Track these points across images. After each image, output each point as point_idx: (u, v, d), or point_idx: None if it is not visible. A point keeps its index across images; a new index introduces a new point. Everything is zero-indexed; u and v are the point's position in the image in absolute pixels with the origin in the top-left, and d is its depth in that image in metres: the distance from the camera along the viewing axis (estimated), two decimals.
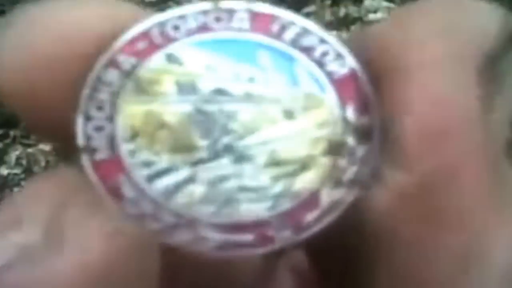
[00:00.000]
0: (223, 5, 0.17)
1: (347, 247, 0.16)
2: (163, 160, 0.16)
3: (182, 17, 0.17)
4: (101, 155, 0.16)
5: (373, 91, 0.17)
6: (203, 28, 0.17)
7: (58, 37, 0.16)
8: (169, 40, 0.17)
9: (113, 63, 0.16)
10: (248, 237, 0.16)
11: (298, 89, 0.17)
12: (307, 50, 0.17)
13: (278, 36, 0.17)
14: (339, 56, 0.17)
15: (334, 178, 0.16)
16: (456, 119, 0.16)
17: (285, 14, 0.17)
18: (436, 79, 0.16)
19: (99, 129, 0.16)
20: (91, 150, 0.16)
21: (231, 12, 0.17)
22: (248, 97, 0.16)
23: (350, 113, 0.16)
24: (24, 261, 0.14)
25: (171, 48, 0.17)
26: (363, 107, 0.17)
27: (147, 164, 0.16)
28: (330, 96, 0.17)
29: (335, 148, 0.16)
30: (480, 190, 0.16)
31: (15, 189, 0.91)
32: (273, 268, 0.19)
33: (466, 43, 0.16)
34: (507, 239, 0.16)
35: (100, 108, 0.16)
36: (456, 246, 0.16)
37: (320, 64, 0.17)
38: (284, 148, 0.16)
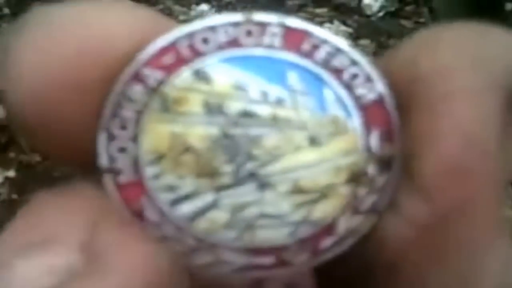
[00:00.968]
0: (255, 17, 0.17)
1: (360, 273, 0.17)
2: (187, 185, 0.16)
3: (211, 28, 0.17)
4: (125, 177, 0.16)
5: (398, 118, 0.17)
6: (234, 42, 0.17)
7: (83, 45, 0.15)
8: (197, 54, 0.16)
9: (138, 77, 0.16)
10: (267, 260, 0.16)
11: (325, 114, 0.16)
12: (337, 72, 0.17)
13: (309, 55, 0.17)
14: (368, 79, 0.17)
15: (352, 207, 0.16)
16: (481, 154, 0.16)
17: (318, 31, 0.17)
18: (464, 112, 0.16)
19: (122, 150, 0.16)
20: (115, 172, 0.16)
21: (262, 26, 0.17)
22: (275, 121, 0.16)
23: (374, 141, 0.17)
24: (69, 283, 0.14)
25: (200, 64, 0.16)
26: (387, 135, 0.17)
27: (171, 188, 0.16)
28: (356, 123, 0.17)
29: (356, 178, 0.16)
30: (491, 222, 0.16)
31: None
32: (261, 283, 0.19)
33: (494, 75, 0.16)
34: (500, 260, 0.17)
35: (123, 127, 0.16)
36: (458, 271, 0.16)
37: (349, 87, 0.17)
38: (307, 176, 0.16)
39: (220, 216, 0.16)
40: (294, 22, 0.17)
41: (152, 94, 0.16)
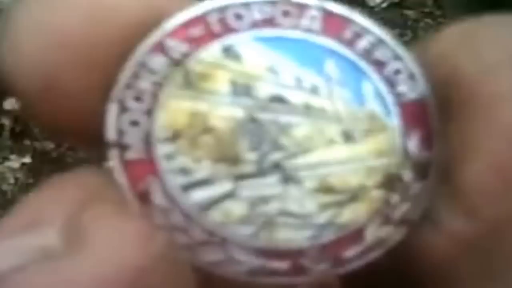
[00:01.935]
0: None
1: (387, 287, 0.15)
2: (203, 169, 0.14)
3: (246, 5, 0.15)
4: (133, 154, 0.14)
5: (439, 121, 0.15)
6: (269, 21, 0.15)
7: (87, 17, 0.14)
8: (229, 30, 0.15)
9: (160, 47, 0.14)
10: (283, 265, 0.14)
11: (362, 109, 0.15)
12: (379, 65, 0.15)
13: (350, 43, 0.15)
14: (412, 77, 0.15)
15: (383, 214, 0.15)
16: None
17: (360, 19, 0.15)
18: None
19: (134, 123, 0.14)
20: (123, 147, 0.14)
21: (302, 8, 0.15)
22: (307, 110, 0.15)
23: (412, 144, 0.15)
24: (41, 264, 0.13)
25: (231, 40, 0.15)
26: (427, 139, 0.15)
27: (185, 171, 0.14)
28: (395, 122, 0.15)
29: (389, 182, 0.15)
30: None
31: None
32: None
33: None
34: None
35: (138, 99, 0.14)
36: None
37: (391, 83, 0.15)
38: (337, 174, 0.14)
39: (236, 208, 0.14)
40: (336, 7, 0.15)
41: (174, 67, 0.14)
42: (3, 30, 0.14)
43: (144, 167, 0.14)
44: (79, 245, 0.13)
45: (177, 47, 0.15)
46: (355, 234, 0.14)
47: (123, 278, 0.12)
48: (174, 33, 0.15)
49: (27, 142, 0.99)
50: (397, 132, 0.15)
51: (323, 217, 0.14)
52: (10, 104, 1.00)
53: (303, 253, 0.14)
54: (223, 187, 0.14)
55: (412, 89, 0.15)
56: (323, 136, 0.15)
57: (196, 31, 0.15)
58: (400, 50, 0.15)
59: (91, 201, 0.13)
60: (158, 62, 0.14)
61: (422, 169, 0.15)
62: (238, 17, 0.15)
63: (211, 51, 0.15)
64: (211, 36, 0.15)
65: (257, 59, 0.15)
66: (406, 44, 0.16)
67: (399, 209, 0.15)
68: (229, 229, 0.14)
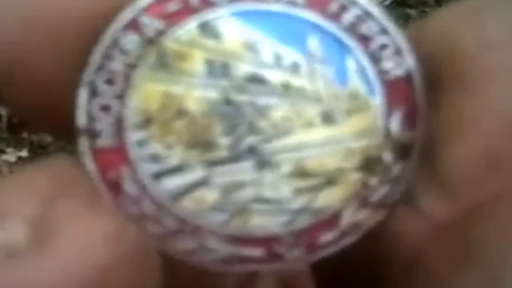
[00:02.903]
0: None
1: (364, 272, 0.15)
2: (175, 156, 0.14)
3: None
4: (104, 141, 0.14)
5: (425, 99, 0.14)
6: None
7: None
8: (207, 4, 0.14)
9: (134, 25, 0.14)
10: (257, 252, 0.14)
11: (345, 87, 0.14)
12: (364, 40, 0.14)
13: (335, 17, 0.14)
14: (398, 52, 0.14)
15: (360, 198, 0.14)
16: None
17: None
18: (507, 92, 0.13)
19: (105, 108, 0.14)
20: (93, 134, 0.14)
21: None
22: (286, 90, 0.14)
23: (395, 124, 0.14)
24: (4, 262, 0.12)
25: (208, 16, 0.14)
26: (410, 119, 0.14)
27: (156, 158, 0.14)
28: (378, 100, 0.14)
29: (369, 164, 0.14)
30: None
31: None
32: (253, 280, 0.17)
33: None
34: None
35: (110, 81, 0.14)
36: (476, 280, 0.14)
37: (375, 59, 0.14)
38: (314, 157, 0.14)
39: (209, 195, 0.14)
40: None
41: (148, 46, 0.14)
42: None
43: (115, 155, 0.14)
44: (45, 243, 0.12)
45: (151, 24, 0.14)
46: (331, 219, 0.14)
47: (88, 279, 0.12)
48: (149, 9, 0.14)
49: (24, 134, 0.96)
50: (379, 111, 0.14)
51: (298, 202, 0.14)
52: None
53: (278, 240, 0.14)
54: (196, 174, 0.14)
55: (398, 65, 0.14)
56: (301, 117, 0.14)
57: (172, 6, 0.14)
58: (388, 23, 0.15)
59: (60, 196, 0.13)
60: (131, 41, 0.14)
61: (403, 150, 0.14)
62: None
63: (187, 28, 0.14)
64: (188, 11, 0.14)
65: (235, 35, 0.14)
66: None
67: (378, 192, 0.14)
68: (202, 217, 0.14)
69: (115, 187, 0.14)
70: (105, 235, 0.12)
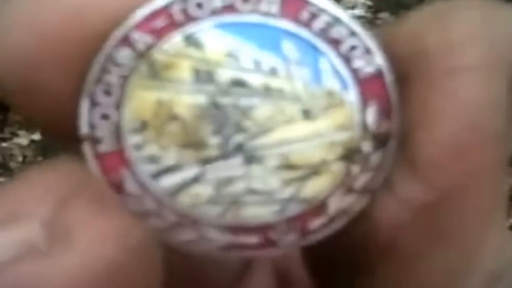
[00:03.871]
0: None
1: (350, 254, 0.16)
2: (171, 156, 0.15)
3: None
4: (105, 146, 0.15)
5: (397, 93, 0.16)
6: (229, 8, 0.16)
7: (69, 14, 0.15)
8: (190, 19, 0.15)
9: (126, 41, 0.15)
10: (252, 239, 0.15)
11: (321, 86, 0.16)
12: (335, 43, 0.16)
13: (307, 24, 0.16)
14: (367, 52, 0.16)
15: (345, 185, 0.16)
16: (483, 133, 0.15)
17: (317, 0, 0.16)
18: (468, 89, 0.15)
19: (105, 117, 0.15)
20: (95, 141, 0.15)
21: None
22: (267, 91, 0.15)
23: (370, 117, 0.16)
24: (26, 258, 0.13)
25: (192, 29, 0.15)
26: (384, 111, 0.16)
27: (153, 159, 0.15)
28: (352, 96, 0.16)
29: (350, 154, 0.16)
30: (485, 209, 0.16)
31: None
32: (249, 270, 0.19)
33: (503, 54, 0.15)
34: (493, 249, 0.16)
35: (107, 92, 0.15)
36: (448, 261, 0.16)
37: (347, 59, 0.16)
38: (298, 151, 0.15)
39: (204, 190, 0.15)
40: None
41: (140, 59, 0.15)
42: None
43: (116, 158, 0.15)
44: (62, 241, 0.13)
45: (141, 39, 0.15)
46: (319, 206, 0.15)
47: (103, 273, 0.13)
48: (138, 26, 0.15)
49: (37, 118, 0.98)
50: (355, 106, 0.16)
51: (287, 192, 0.15)
52: None
53: (271, 227, 0.15)
54: (190, 171, 0.15)
55: (368, 63, 0.16)
56: (283, 115, 0.15)
57: (159, 22, 0.15)
58: (356, 27, 0.16)
59: (72, 197, 0.14)
60: (124, 55, 0.15)
61: (380, 140, 0.16)
62: (199, 5, 0.16)
63: (173, 41, 0.15)
64: (174, 26, 0.15)
65: (217, 45, 0.15)
66: None
67: (360, 179, 0.16)
68: (199, 210, 0.15)
69: (118, 187, 0.15)
70: (116, 232, 0.14)
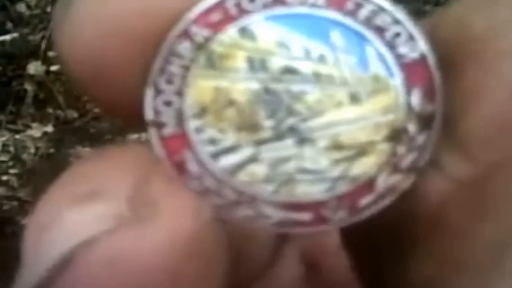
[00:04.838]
0: None
1: (396, 229, 0.17)
2: (229, 138, 0.16)
3: None
4: (168, 130, 0.16)
5: (441, 76, 0.17)
6: (279, 1, 0.17)
7: (135, 12, 0.16)
8: (244, 12, 0.17)
9: (186, 34, 0.17)
10: (305, 216, 0.16)
11: (367, 72, 0.17)
12: (380, 31, 0.17)
13: (352, 13, 0.17)
14: (411, 38, 0.17)
15: (391, 165, 0.17)
16: None
17: None
18: None
19: (168, 103, 0.17)
20: (159, 125, 0.17)
21: None
22: (317, 78, 0.17)
23: (415, 99, 0.17)
24: (117, 230, 0.15)
25: (245, 22, 0.17)
26: (429, 94, 0.17)
27: (213, 141, 0.16)
28: (397, 81, 0.17)
29: (396, 135, 0.17)
30: None
31: (3, 177, 0.87)
32: (280, 254, 0.20)
33: None
34: None
35: (170, 81, 0.17)
36: (493, 236, 0.16)
37: (391, 46, 0.17)
38: (346, 132, 0.16)
39: (259, 169, 0.16)
40: None
41: (198, 51, 0.17)
42: (63, 15, 0.16)
43: (178, 141, 0.16)
44: (148, 216, 0.15)
45: (199, 32, 0.17)
46: (367, 184, 0.16)
47: (184, 247, 0.15)
48: (196, 21, 0.17)
49: (49, 110, 0.97)
50: (400, 90, 0.17)
51: (336, 171, 0.16)
52: (34, 68, 0.96)
53: (322, 204, 0.16)
54: (247, 152, 0.16)
55: (412, 49, 0.17)
56: (332, 99, 0.17)
57: (215, 16, 0.17)
58: (399, 15, 0.17)
59: (150, 175, 0.15)
60: (184, 47, 0.17)
61: (425, 122, 0.17)
62: (252, 0, 0.17)
63: (229, 33, 0.17)
64: (228, 19, 0.17)
65: (269, 36, 0.17)
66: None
67: (407, 158, 0.17)
68: (255, 188, 0.16)
69: (180, 168, 0.16)
70: (194, 207, 0.15)
